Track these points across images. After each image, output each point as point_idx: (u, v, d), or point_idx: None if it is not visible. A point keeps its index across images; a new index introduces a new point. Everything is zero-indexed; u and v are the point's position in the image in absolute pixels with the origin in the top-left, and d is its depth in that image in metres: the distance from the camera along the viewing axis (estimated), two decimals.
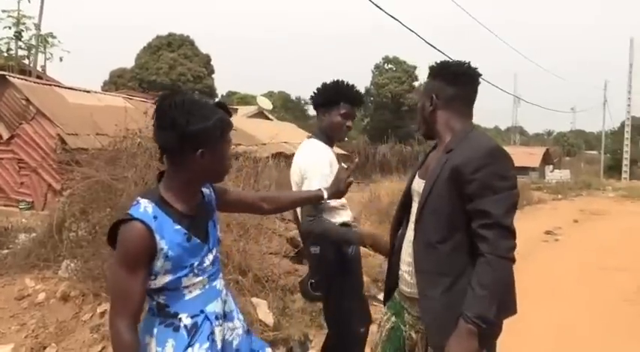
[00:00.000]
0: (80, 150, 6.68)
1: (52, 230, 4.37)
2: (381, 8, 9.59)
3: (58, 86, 12.27)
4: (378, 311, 2.97)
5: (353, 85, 2.77)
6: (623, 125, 37.27)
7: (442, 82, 1.86)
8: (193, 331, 1.60)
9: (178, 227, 1.58)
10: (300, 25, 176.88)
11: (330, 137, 2.74)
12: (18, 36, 16.01)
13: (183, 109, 1.52)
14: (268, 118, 23.71)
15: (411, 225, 1.89)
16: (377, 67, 48.66)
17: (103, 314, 3.70)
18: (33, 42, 16.45)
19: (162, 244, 1.53)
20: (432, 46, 13.34)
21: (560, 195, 20.91)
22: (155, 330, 1.60)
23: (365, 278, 3.39)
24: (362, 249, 2.88)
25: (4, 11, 15.83)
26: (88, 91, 12.41)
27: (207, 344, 1.61)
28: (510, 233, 1.66)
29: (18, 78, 11.44)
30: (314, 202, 2.32)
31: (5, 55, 15.75)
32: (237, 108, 20.67)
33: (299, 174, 2.68)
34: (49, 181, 10.40)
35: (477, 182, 1.67)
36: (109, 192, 4.29)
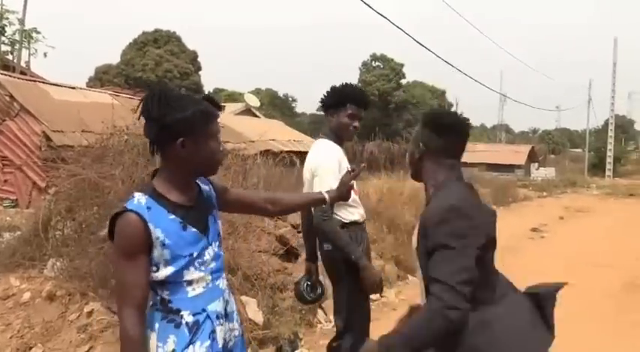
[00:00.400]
0: (66, 147, 6.60)
1: (38, 228, 4.31)
2: (369, 5, 9.61)
3: (43, 82, 12.10)
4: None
5: (360, 87, 3.00)
6: (606, 123, 37.73)
7: (432, 132, 1.87)
8: (195, 329, 1.63)
9: (173, 216, 1.61)
10: (289, 23, 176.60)
11: (339, 137, 2.86)
12: (1, 31, 15.80)
13: (161, 101, 1.58)
14: (256, 116, 23.64)
15: None
16: (364, 64, 48.73)
17: (90, 313, 3.65)
18: (17, 37, 16.22)
19: (158, 233, 1.57)
20: (419, 43, 13.41)
21: (546, 193, 21.16)
22: (157, 325, 1.62)
23: None
24: None
25: None
26: (73, 88, 12.27)
27: (208, 343, 1.64)
28: (455, 290, 1.58)
29: (1, 74, 11.28)
30: (316, 205, 2.38)
31: None
32: (224, 106, 20.56)
33: (310, 172, 2.80)
34: (34, 179, 10.27)
35: (433, 238, 1.68)
36: (95, 190, 4.24)
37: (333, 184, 2.30)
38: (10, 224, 6.27)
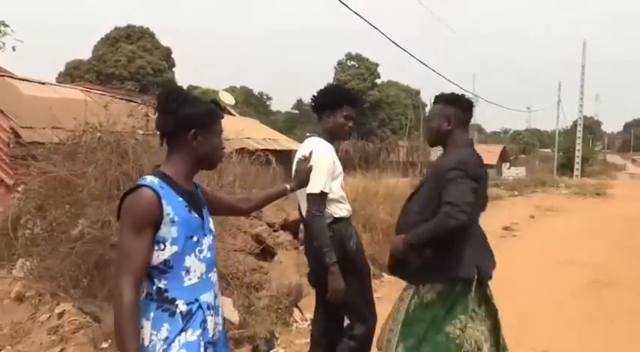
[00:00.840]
0: (36, 144, 6.43)
1: (6, 227, 4.20)
2: (345, 4, 9.61)
3: (11, 77, 11.75)
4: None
5: (352, 90, 3.03)
6: (575, 124, 38.56)
7: (457, 109, 2.63)
8: (188, 317, 1.72)
9: (180, 199, 1.75)
10: (264, 20, 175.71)
11: (332, 136, 2.96)
12: None
13: (179, 97, 1.79)
14: (231, 114, 23.43)
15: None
16: (340, 63, 48.85)
17: (61, 314, 3.58)
18: None
19: (169, 210, 1.69)
20: (395, 43, 13.46)
21: (517, 192, 21.50)
22: (152, 314, 1.70)
23: None
24: None
25: None
26: (43, 83, 11.94)
27: (199, 331, 1.74)
28: (460, 208, 2.35)
29: None
30: (281, 197, 2.52)
31: None
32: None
33: None
34: (2, 176, 9.95)
35: (446, 175, 2.45)
36: (67, 188, 4.15)
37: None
38: None
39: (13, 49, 16.34)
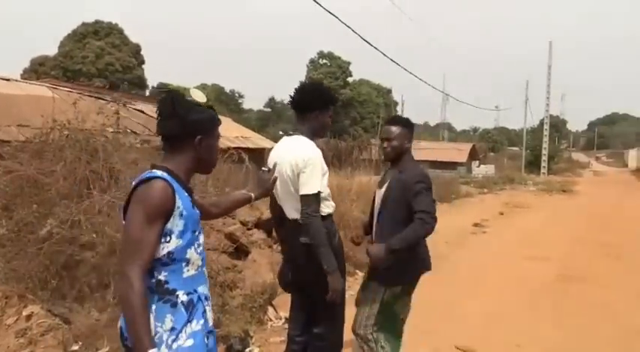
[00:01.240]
0: (1, 142, 6.24)
1: None
2: (318, 3, 9.62)
3: None
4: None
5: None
6: (542, 123, 39.43)
7: (410, 130, 3.15)
8: (190, 307, 1.77)
9: (186, 194, 1.80)
10: (234, 16, 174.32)
11: (316, 135, 2.97)
12: None
13: (184, 103, 1.83)
14: None
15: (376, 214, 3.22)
16: (312, 61, 48.86)
17: (29, 317, 3.48)
18: None
19: (179, 203, 1.73)
20: (368, 42, 13.56)
21: (486, 189, 21.90)
22: (154, 307, 1.71)
23: None
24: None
25: None
26: (7, 79, 11.59)
27: (202, 321, 1.79)
28: (431, 215, 2.85)
29: None
30: (244, 205, 2.49)
31: None
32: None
33: (292, 169, 2.77)
34: None
35: (414, 188, 2.93)
36: (35, 187, 4.05)
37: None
38: None
39: None
